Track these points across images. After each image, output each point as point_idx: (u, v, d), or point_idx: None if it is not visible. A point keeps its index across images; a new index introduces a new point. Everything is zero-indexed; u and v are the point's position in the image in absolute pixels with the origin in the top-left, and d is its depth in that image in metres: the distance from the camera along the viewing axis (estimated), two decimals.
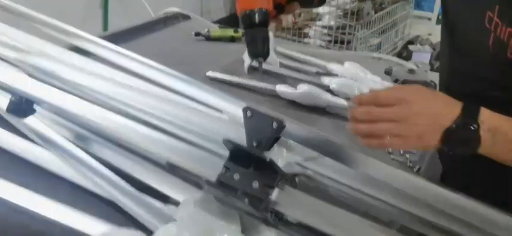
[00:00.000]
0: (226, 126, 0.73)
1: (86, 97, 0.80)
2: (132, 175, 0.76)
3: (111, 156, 0.78)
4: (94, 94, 0.78)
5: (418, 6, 4.25)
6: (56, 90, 0.80)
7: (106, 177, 0.75)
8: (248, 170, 0.63)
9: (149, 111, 0.72)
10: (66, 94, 0.79)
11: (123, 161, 0.78)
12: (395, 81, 1.29)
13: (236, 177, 0.62)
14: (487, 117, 0.64)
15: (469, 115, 0.64)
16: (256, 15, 0.79)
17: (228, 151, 0.66)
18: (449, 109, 0.65)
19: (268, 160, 0.62)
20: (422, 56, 3.07)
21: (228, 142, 0.64)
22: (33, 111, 0.82)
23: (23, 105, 0.80)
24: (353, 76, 1.29)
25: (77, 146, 0.80)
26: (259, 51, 0.83)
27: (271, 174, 0.63)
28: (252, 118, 0.71)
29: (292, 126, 0.71)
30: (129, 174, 0.76)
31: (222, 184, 0.62)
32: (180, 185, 0.73)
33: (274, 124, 0.69)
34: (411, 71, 1.31)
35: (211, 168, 0.64)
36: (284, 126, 0.69)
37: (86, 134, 0.83)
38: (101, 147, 0.81)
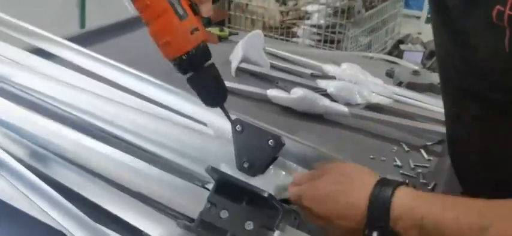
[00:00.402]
0: (211, 144, 0.60)
1: (40, 108, 0.65)
2: (96, 204, 0.62)
3: (67, 178, 0.63)
4: (49, 101, 0.63)
5: (407, 5, 4.16)
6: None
7: (60, 206, 0.60)
8: (240, 206, 0.50)
9: (109, 120, 0.58)
10: (14, 106, 0.64)
11: (84, 185, 0.63)
12: (399, 83, 1.17)
13: (224, 215, 0.49)
14: (405, 209, 0.51)
15: (375, 216, 0.52)
16: (198, 56, 0.58)
17: (214, 181, 0.52)
18: (353, 211, 0.54)
19: (266, 195, 0.49)
20: (414, 55, 2.98)
21: (213, 171, 0.50)
22: None
23: None
24: (352, 79, 1.17)
25: (28, 167, 0.65)
26: (220, 95, 0.62)
27: (269, 211, 0.50)
28: (243, 133, 0.59)
29: (293, 143, 0.58)
30: (92, 201, 0.62)
31: (204, 225, 0.48)
32: (154, 216, 0.59)
33: (271, 142, 0.57)
34: (415, 73, 1.19)
35: (192, 201, 0.51)
36: (282, 144, 0.56)
37: (41, 152, 0.68)
38: (58, 168, 0.66)
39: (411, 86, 1.16)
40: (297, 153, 0.61)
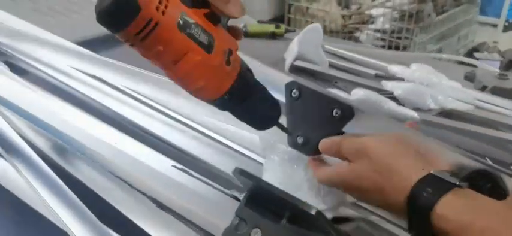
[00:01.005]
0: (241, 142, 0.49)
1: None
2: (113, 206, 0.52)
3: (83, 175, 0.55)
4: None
5: (482, 11, 3.85)
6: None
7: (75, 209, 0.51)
8: (277, 224, 0.38)
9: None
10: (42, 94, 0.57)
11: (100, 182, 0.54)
12: (483, 88, 0.99)
13: (255, 235, 0.37)
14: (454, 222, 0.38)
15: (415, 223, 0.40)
16: (241, 87, 0.44)
17: (244, 189, 0.40)
18: (392, 211, 0.43)
19: (313, 212, 0.36)
20: (490, 65, 2.72)
21: (242, 176, 0.39)
22: None
23: None
24: (424, 81, 1.01)
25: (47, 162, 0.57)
26: (274, 115, 0.50)
27: (316, 233, 0.37)
28: (300, 100, 0.49)
29: (365, 117, 0.47)
30: (108, 202, 0.53)
31: None
32: (172, 225, 0.49)
33: (336, 112, 0.47)
34: (502, 76, 1.01)
35: (216, 213, 0.39)
36: (352, 115, 0.47)
37: (65, 146, 0.61)
38: (80, 165, 0.58)
39: (497, 91, 0.98)
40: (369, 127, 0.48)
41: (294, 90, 0.50)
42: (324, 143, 0.50)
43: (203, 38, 0.37)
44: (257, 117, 0.47)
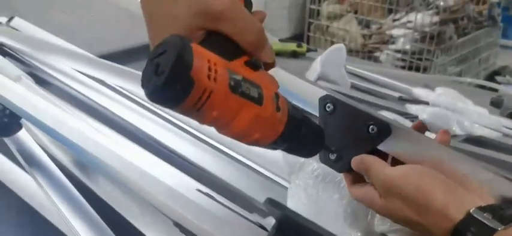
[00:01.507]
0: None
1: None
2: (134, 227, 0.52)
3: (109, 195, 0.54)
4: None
5: (505, 35, 3.80)
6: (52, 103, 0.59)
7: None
8: None
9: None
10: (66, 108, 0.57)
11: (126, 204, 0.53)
12: (510, 115, 0.97)
13: None
14: None
15: None
16: (292, 128, 0.43)
17: (273, 219, 0.39)
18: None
19: None
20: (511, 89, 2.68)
21: (272, 206, 0.38)
22: (19, 128, 0.61)
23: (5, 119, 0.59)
24: (449, 106, 0.99)
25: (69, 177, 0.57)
26: (319, 144, 0.48)
27: None
28: (335, 114, 0.48)
29: (405, 133, 0.45)
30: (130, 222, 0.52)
31: None
32: None
33: (373, 129, 0.46)
34: None
35: None
36: (389, 133, 0.45)
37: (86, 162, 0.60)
38: (100, 181, 0.57)
39: None
40: (406, 147, 0.46)
41: (329, 104, 0.49)
42: (355, 161, 0.48)
43: (253, 92, 0.37)
44: (306, 148, 0.46)
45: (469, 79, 1.46)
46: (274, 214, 0.41)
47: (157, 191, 0.54)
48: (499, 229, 0.36)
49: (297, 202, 0.57)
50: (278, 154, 0.62)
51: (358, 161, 0.47)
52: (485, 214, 0.38)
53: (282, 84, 0.54)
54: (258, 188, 0.60)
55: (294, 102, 0.55)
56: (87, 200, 0.56)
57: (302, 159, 0.59)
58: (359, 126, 0.47)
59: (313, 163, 0.59)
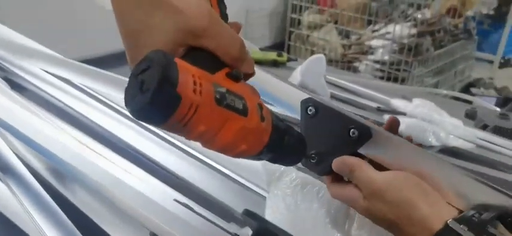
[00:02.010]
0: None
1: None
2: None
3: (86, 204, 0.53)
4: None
5: (479, 48, 3.91)
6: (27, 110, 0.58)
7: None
8: None
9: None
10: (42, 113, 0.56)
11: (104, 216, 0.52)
12: (483, 126, 0.99)
13: None
14: None
15: None
16: (277, 137, 0.42)
17: (250, 230, 0.39)
18: None
19: None
20: (486, 101, 2.74)
21: (249, 217, 0.38)
22: None
23: None
24: (426, 117, 1.01)
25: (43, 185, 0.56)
26: (302, 152, 0.47)
27: None
28: (316, 117, 0.48)
29: (385, 138, 0.45)
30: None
31: None
32: None
33: (353, 132, 0.46)
34: (504, 116, 1.01)
35: None
36: (369, 137, 0.45)
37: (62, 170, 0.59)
38: (76, 190, 0.56)
39: (499, 131, 0.98)
40: (386, 151, 0.47)
41: (310, 107, 0.49)
42: (336, 162, 0.48)
43: (238, 104, 0.36)
44: (290, 156, 0.45)
45: (445, 91, 1.49)
46: (251, 225, 0.41)
47: (134, 200, 0.53)
48: None
49: (275, 212, 0.57)
50: (257, 164, 0.62)
51: (339, 162, 0.48)
52: (461, 226, 0.39)
53: (264, 87, 0.54)
54: (236, 198, 0.60)
55: (276, 105, 0.55)
56: (62, 209, 0.55)
57: (281, 169, 0.60)
58: (340, 129, 0.47)
59: (292, 173, 0.60)
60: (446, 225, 0.40)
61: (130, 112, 0.32)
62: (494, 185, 0.44)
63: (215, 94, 0.34)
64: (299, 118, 0.51)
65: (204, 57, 0.36)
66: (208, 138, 0.36)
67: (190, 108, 0.32)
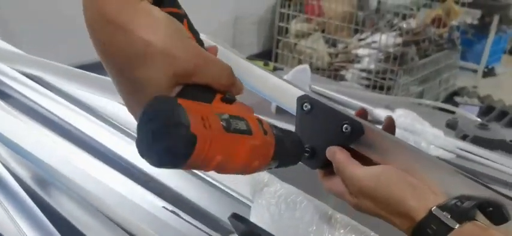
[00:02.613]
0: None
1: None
2: None
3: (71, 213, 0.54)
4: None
5: (463, 57, 3.99)
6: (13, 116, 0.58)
7: None
8: None
9: None
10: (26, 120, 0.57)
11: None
12: (463, 137, 1.02)
13: None
14: None
15: None
16: (282, 147, 0.44)
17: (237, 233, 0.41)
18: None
19: None
20: (470, 109, 2.79)
21: (237, 221, 0.39)
22: None
23: None
24: (408, 128, 1.03)
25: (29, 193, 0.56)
26: (301, 154, 0.49)
27: None
28: (311, 113, 0.50)
29: (376, 133, 0.47)
30: None
31: None
32: None
33: (346, 128, 0.48)
34: (483, 126, 1.04)
35: None
36: (361, 133, 0.47)
37: (47, 178, 0.60)
38: (62, 199, 0.57)
39: (478, 141, 1.01)
40: (379, 147, 0.48)
41: (306, 104, 0.50)
42: (329, 152, 0.50)
43: (242, 125, 0.37)
44: (292, 158, 0.47)
45: (427, 102, 1.53)
46: (238, 229, 0.43)
47: (122, 208, 0.54)
48: (456, 227, 0.41)
49: (259, 221, 0.58)
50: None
51: (331, 152, 0.49)
52: (444, 213, 0.42)
53: (261, 84, 0.56)
54: (222, 206, 0.61)
55: (273, 102, 0.57)
56: (47, 216, 0.55)
57: (265, 180, 0.61)
58: (334, 125, 0.49)
59: (276, 184, 0.61)
60: (430, 212, 0.42)
61: (150, 163, 0.32)
62: (474, 178, 0.46)
63: (222, 123, 0.35)
64: (295, 114, 0.53)
65: (199, 90, 0.37)
66: (225, 165, 0.36)
67: (205, 143, 0.33)
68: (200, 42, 0.40)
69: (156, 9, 0.36)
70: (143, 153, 0.33)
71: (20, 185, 0.60)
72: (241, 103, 0.41)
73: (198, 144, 0.32)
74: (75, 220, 0.55)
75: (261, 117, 0.41)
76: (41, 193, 0.60)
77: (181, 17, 0.39)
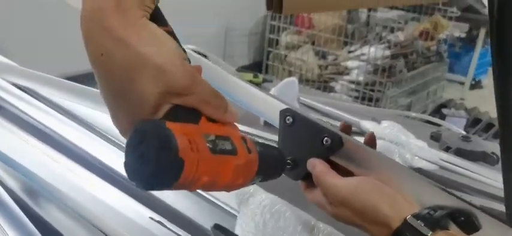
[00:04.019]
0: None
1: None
2: None
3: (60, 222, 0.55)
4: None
5: (451, 69, 4.05)
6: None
7: None
8: None
9: None
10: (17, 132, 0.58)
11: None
12: (446, 148, 1.04)
13: None
14: None
15: None
16: (265, 164, 0.45)
17: None
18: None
19: None
20: (457, 121, 2.83)
21: (218, 231, 0.41)
22: None
23: None
24: (393, 139, 1.05)
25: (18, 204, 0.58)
26: (282, 168, 0.50)
27: None
28: (293, 126, 0.51)
29: (354, 146, 0.49)
30: None
31: None
32: None
33: (326, 141, 0.50)
34: (466, 138, 1.06)
35: None
36: (341, 145, 0.49)
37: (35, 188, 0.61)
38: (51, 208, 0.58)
39: (460, 153, 1.04)
40: (358, 158, 0.50)
41: (288, 117, 0.52)
42: (309, 164, 0.52)
43: (227, 145, 0.38)
44: (275, 171, 0.48)
45: (413, 114, 1.56)
46: None
47: (110, 217, 0.55)
48: (429, 234, 0.43)
49: (244, 230, 0.60)
50: None
51: (312, 164, 0.51)
52: (418, 221, 0.44)
53: (246, 97, 0.58)
54: (208, 216, 0.63)
55: (258, 115, 0.59)
56: (36, 227, 0.56)
57: (251, 190, 0.63)
58: (314, 137, 0.51)
59: (261, 195, 0.63)
60: (405, 221, 0.44)
61: (137, 185, 0.33)
62: (446, 189, 0.48)
63: (208, 145, 0.36)
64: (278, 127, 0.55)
65: (186, 111, 0.37)
66: (210, 184, 0.37)
67: (193, 166, 0.34)
68: (188, 60, 0.41)
69: (155, 27, 0.37)
70: (131, 176, 0.34)
71: (10, 195, 0.61)
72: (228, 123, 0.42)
73: (186, 168, 0.33)
74: (63, 228, 0.56)
75: (245, 134, 0.43)
76: (30, 203, 0.61)
77: (174, 36, 0.40)
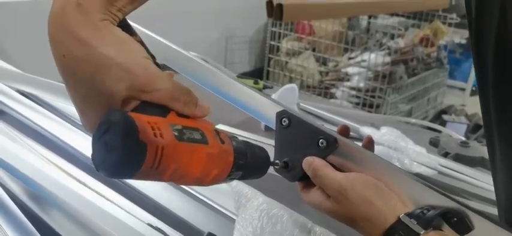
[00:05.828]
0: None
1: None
2: None
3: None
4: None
5: (451, 75, 4.05)
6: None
7: None
8: None
9: None
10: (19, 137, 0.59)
11: None
12: (445, 154, 1.05)
13: None
14: None
15: None
16: (240, 156, 0.46)
17: None
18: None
19: None
20: (458, 127, 2.84)
21: None
22: None
23: None
24: (392, 145, 1.06)
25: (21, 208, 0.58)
26: (266, 168, 0.51)
27: None
28: (289, 128, 0.52)
29: (349, 147, 0.50)
30: None
31: None
32: None
33: (322, 142, 0.50)
34: (464, 144, 1.07)
35: None
36: (336, 147, 0.50)
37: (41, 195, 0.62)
38: (54, 214, 0.59)
39: (459, 158, 1.04)
40: (354, 158, 0.51)
41: (284, 119, 0.53)
42: (305, 163, 0.52)
43: (196, 135, 0.39)
44: (257, 169, 0.49)
45: (413, 120, 1.56)
46: None
47: (111, 223, 0.56)
48: (421, 232, 0.44)
49: (242, 234, 0.61)
50: (227, 189, 0.66)
51: (306, 163, 0.52)
52: (411, 220, 0.45)
53: (244, 100, 0.59)
54: (207, 221, 0.63)
55: (255, 117, 0.60)
56: (39, 231, 0.57)
57: (249, 195, 0.64)
58: (310, 139, 0.51)
59: (259, 199, 0.64)
60: (399, 219, 0.45)
61: (104, 174, 0.34)
62: (439, 189, 0.49)
63: (174, 132, 0.37)
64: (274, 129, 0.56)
65: (154, 106, 0.38)
66: (181, 174, 0.38)
67: (156, 150, 0.35)
68: (157, 65, 0.41)
69: (119, 30, 0.38)
70: (97, 165, 0.34)
71: (13, 201, 0.62)
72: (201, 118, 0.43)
73: (149, 152, 0.34)
74: (65, 233, 0.57)
75: (220, 128, 0.43)
76: (34, 208, 0.62)
77: (144, 45, 0.41)
